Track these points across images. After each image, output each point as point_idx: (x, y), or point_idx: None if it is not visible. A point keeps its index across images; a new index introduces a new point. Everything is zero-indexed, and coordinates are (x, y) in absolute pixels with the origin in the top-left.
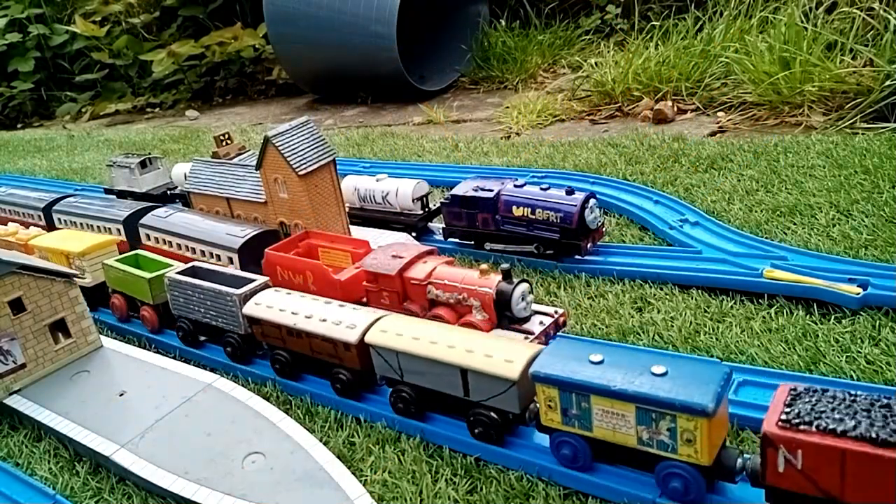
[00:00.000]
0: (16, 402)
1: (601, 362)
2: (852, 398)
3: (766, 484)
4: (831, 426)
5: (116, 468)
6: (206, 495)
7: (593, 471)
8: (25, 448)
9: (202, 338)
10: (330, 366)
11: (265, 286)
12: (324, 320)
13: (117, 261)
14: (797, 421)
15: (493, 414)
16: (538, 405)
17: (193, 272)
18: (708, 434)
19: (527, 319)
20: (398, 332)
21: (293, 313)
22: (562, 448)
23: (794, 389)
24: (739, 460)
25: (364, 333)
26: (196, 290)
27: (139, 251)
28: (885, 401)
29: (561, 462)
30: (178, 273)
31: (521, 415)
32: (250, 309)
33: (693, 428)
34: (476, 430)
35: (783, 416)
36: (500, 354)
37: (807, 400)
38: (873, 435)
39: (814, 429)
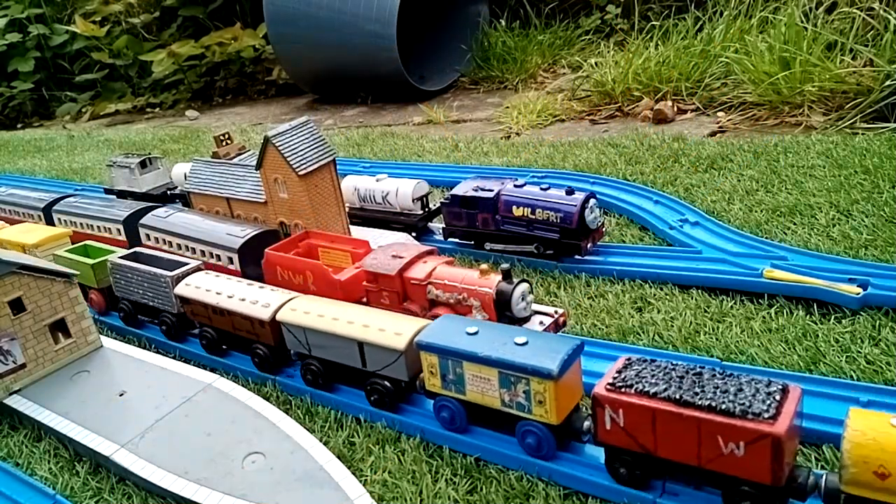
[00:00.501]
0: (16, 402)
1: (475, 333)
2: (673, 367)
3: (599, 441)
4: (646, 389)
5: (116, 468)
6: (206, 495)
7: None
8: (25, 448)
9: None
10: (249, 342)
11: (196, 269)
12: (243, 300)
13: (67, 251)
14: (621, 384)
15: (386, 382)
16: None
17: (135, 257)
18: (556, 396)
19: (527, 319)
20: (305, 311)
21: (217, 293)
22: (441, 411)
23: (629, 359)
24: (587, 423)
25: (276, 312)
26: (135, 273)
27: (88, 242)
28: (699, 369)
29: (442, 425)
30: (120, 258)
31: (412, 382)
32: (181, 289)
33: (543, 390)
34: (372, 398)
35: (610, 381)
36: (391, 328)
37: (635, 368)
38: (678, 396)
39: (632, 391)
